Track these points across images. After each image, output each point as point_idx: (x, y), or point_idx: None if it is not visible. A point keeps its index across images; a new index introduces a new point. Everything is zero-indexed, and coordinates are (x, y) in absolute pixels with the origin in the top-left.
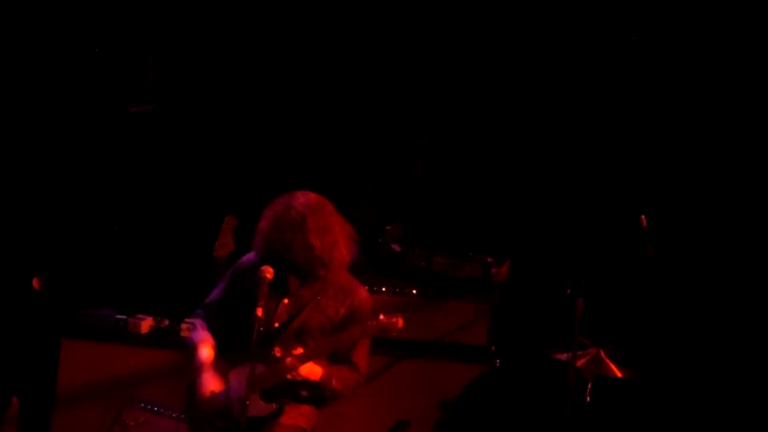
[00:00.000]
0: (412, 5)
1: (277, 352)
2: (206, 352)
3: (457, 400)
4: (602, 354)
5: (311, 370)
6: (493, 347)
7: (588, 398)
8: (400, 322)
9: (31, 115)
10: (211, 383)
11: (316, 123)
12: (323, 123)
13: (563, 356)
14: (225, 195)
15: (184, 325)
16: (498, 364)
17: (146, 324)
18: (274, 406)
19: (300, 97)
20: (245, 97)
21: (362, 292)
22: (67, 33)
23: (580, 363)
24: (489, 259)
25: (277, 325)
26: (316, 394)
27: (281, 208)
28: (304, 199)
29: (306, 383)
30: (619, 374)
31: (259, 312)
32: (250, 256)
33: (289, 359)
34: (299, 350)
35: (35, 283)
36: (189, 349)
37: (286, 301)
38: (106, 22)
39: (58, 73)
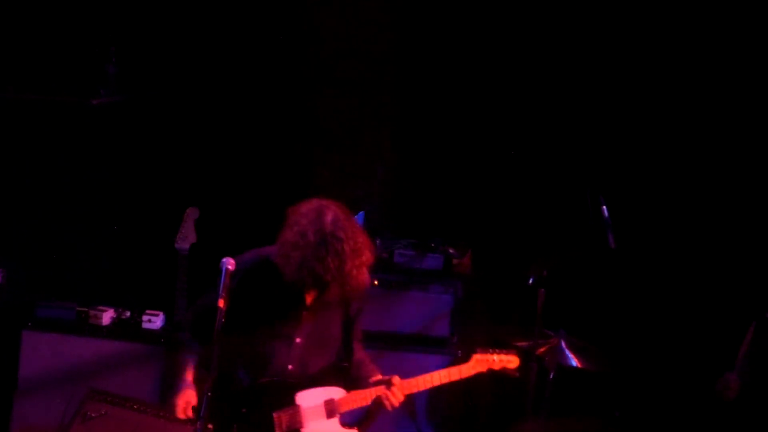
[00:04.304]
0: None
1: (350, 370)
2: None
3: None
4: (563, 344)
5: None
6: (455, 337)
7: (549, 387)
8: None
9: None
10: None
11: (277, 114)
12: (284, 114)
13: (525, 346)
14: (186, 187)
15: (145, 317)
16: (460, 354)
17: (107, 316)
18: (356, 430)
19: (260, 88)
20: (206, 89)
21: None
22: (27, 21)
23: (540, 352)
24: (451, 250)
25: (299, 340)
26: None
27: (314, 228)
28: (334, 215)
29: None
30: (579, 364)
31: (221, 304)
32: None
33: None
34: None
35: None
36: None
37: (305, 314)
38: (67, 11)
39: (16, 63)
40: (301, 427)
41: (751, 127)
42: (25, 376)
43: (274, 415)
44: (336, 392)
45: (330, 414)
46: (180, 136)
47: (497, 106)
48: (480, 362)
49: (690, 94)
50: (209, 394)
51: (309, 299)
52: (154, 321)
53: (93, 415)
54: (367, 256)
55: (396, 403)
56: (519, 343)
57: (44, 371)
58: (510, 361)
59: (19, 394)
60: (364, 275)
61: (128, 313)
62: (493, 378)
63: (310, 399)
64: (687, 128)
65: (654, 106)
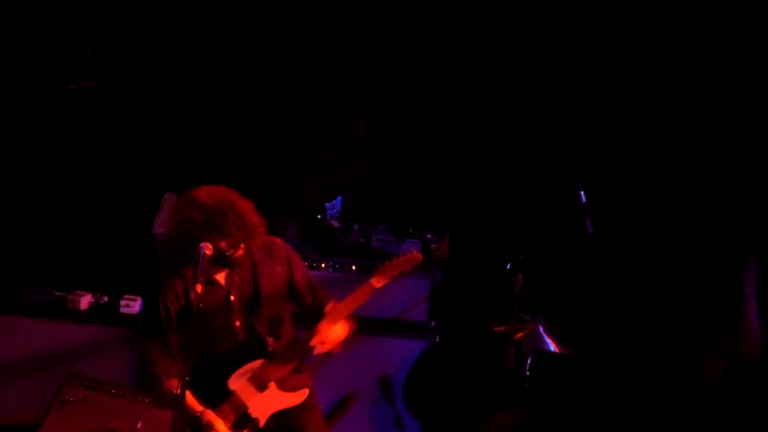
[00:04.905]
0: None
1: (270, 342)
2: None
3: (398, 375)
4: (541, 329)
5: (340, 332)
6: (433, 323)
7: (527, 372)
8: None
9: None
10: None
11: (255, 99)
12: (262, 99)
13: (503, 331)
14: (164, 172)
15: (123, 302)
16: (438, 340)
17: (85, 300)
18: (307, 390)
19: (239, 73)
20: (185, 75)
21: (276, 240)
22: (2, 4)
23: (518, 337)
24: (428, 235)
25: (239, 324)
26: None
27: (197, 212)
28: (201, 192)
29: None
30: (557, 349)
31: (199, 288)
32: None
33: (320, 334)
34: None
35: None
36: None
37: (233, 298)
38: None
39: None
40: (246, 408)
41: (725, 112)
42: (2, 360)
43: (216, 411)
44: (258, 365)
45: (261, 387)
46: (158, 122)
47: (473, 94)
48: (381, 276)
49: (665, 79)
50: (187, 379)
51: (223, 281)
52: (132, 306)
53: (71, 399)
54: (249, 201)
55: (327, 343)
56: (497, 328)
57: (22, 356)
58: (412, 258)
59: None
60: (258, 217)
61: (106, 298)
62: (470, 364)
63: (239, 381)
64: (663, 113)
65: (629, 92)
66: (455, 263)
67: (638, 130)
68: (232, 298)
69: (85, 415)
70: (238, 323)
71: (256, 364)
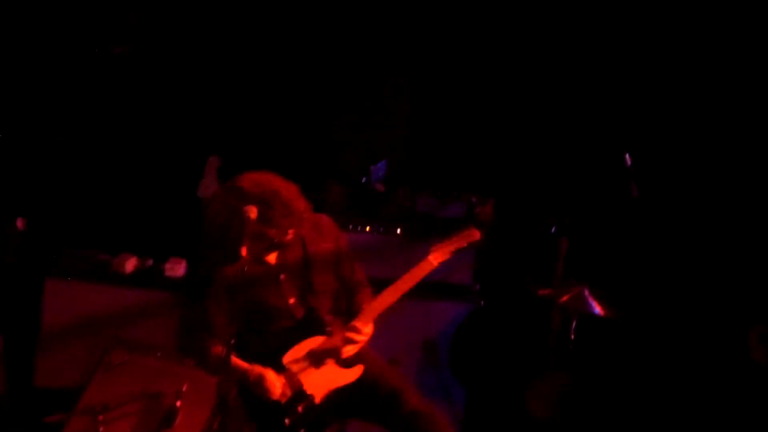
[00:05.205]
0: None
1: (328, 319)
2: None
3: (442, 339)
4: (586, 292)
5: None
6: (477, 286)
7: (572, 336)
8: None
9: (11, 56)
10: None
11: (299, 62)
12: (306, 62)
13: (547, 294)
14: (209, 135)
15: (167, 265)
16: (483, 303)
17: (130, 264)
18: (362, 366)
19: (283, 35)
20: (228, 38)
21: (323, 217)
22: None
23: (563, 301)
24: (473, 199)
25: (292, 301)
26: None
27: (243, 202)
28: (244, 180)
29: None
30: (602, 313)
31: (244, 252)
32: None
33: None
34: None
35: (19, 223)
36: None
37: (283, 277)
38: None
39: (38, 14)
40: (302, 385)
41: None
42: (48, 323)
43: None
44: (316, 342)
45: (318, 363)
46: (204, 85)
47: (519, 56)
48: (438, 253)
49: (709, 41)
50: (232, 341)
51: (273, 261)
52: (177, 269)
53: (116, 362)
54: (293, 186)
55: (357, 339)
56: (542, 292)
57: (67, 319)
58: (470, 235)
59: (43, 341)
60: (303, 201)
61: (151, 261)
62: (515, 328)
63: (295, 357)
64: (709, 75)
65: (676, 54)
66: (500, 226)
67: (687, 92)
68: (282, 277)
69: (130, 379)
70: (291, 301)
71: (314, 340)
